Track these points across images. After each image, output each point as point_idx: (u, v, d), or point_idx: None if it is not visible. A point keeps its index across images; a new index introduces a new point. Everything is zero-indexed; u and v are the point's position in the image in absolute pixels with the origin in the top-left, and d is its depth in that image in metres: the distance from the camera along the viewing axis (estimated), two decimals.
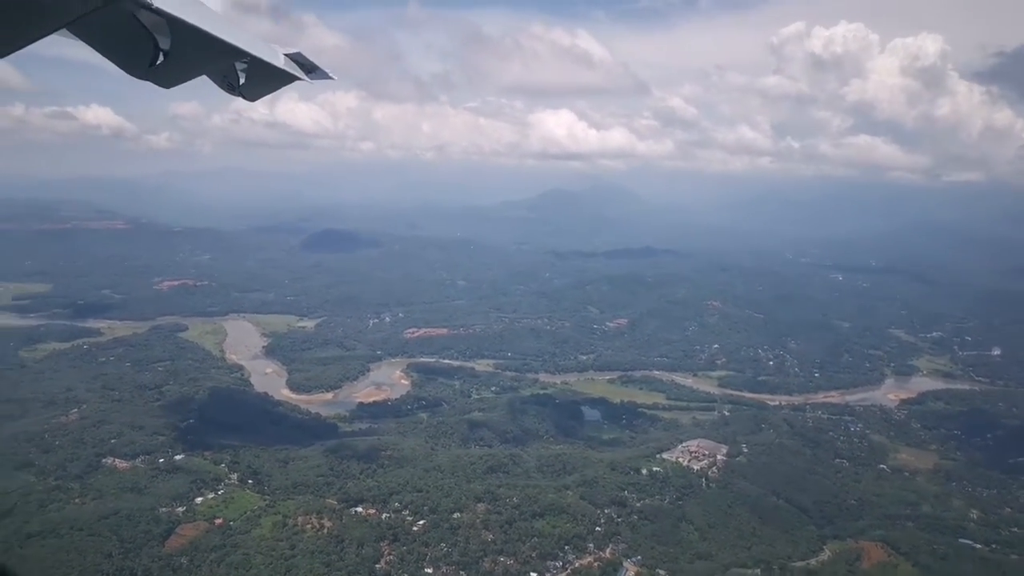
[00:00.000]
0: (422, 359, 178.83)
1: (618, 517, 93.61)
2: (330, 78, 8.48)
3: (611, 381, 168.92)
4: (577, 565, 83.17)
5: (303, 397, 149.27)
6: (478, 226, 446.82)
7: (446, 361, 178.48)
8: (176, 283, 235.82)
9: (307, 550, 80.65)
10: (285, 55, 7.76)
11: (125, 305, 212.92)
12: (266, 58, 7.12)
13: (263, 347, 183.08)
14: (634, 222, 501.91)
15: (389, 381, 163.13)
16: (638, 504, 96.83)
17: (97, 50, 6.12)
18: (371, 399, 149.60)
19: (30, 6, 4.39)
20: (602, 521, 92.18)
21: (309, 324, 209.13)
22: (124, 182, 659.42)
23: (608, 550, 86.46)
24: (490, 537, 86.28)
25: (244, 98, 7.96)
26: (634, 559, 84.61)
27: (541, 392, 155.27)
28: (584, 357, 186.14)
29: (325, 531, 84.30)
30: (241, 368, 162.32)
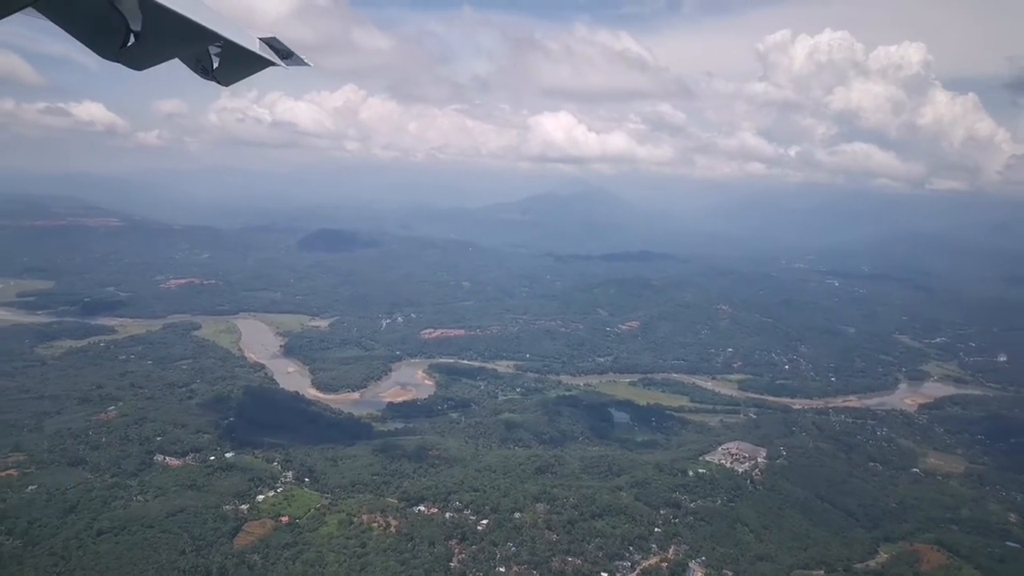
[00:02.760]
0: (442, 360, 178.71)
1: (674, 518, 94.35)
2: (306, 64, 8.52)
3: (632, 383, 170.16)
4: (644, 565, 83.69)
5: (330, 396, 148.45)
6: (470, 228, 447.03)
7: (466, 362, 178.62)
8: (183, 282, 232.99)
9: (378, 548, 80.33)
10: (260, 40, 7.74)
11: (133, 303, 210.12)
12: (240, 42, 7.09)
13: (281, 346, 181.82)
14: (624, 226, 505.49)
15: (413, 381, 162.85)
16: (691, 505, 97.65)
17: (67, 31, 6.11)
18: (400, 399, 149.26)
19: None
20: (660, 522, 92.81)
21: (322, 324, 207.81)
22: (110, 179, 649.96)
23: (671, 551, 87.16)
24: (554, 537, 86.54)
25: (218, 83, 7.91)
26: (699, 560, 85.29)
27: (566, 394, 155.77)
28: (602, 359, 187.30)
29: (392, 529, 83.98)
30: (263, 367, 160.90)
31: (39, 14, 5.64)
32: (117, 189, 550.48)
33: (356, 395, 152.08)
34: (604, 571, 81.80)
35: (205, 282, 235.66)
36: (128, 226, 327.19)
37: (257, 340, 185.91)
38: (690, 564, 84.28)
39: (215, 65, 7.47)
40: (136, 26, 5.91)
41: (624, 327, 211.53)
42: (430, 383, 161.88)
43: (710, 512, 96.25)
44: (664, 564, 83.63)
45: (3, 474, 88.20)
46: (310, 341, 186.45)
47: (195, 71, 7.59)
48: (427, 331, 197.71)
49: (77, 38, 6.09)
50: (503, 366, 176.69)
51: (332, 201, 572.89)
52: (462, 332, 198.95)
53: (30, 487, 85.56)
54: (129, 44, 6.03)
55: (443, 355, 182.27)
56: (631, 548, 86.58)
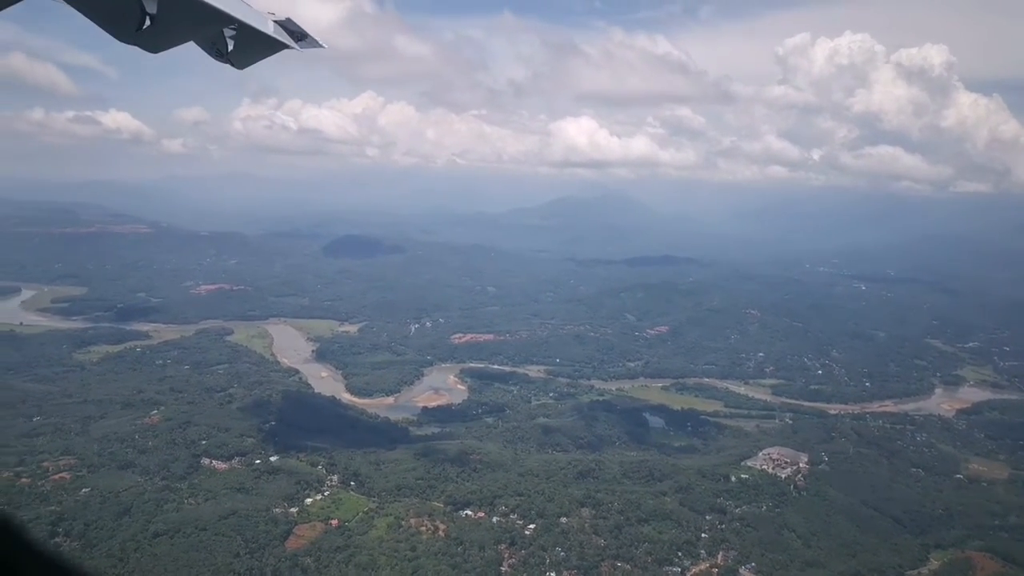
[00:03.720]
0: (472, 364, 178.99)
1: (720, 524, 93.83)
2: (320, 46, 8.54)
3: (665, 388, 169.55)
4: (695, 571, 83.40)
5: (364, 401, 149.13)
6: (491, 233, 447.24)
7: (496, 367, 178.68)
8: (214, 287, 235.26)
9: (429, 552, 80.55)
10: (275, 22, 7.76)
11: (165, 308, 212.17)
12: (255, 24, 7.15)
13: (312, 351, 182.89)
14: (645, 231, 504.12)
15: (445, 386, 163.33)
16: (737, 511, 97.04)
17: (83, 13, 6.19)
18: (433, 403, 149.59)
19: None
20: (706, 528, 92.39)
21: (351, 329, 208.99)
22: (133, 186, 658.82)
23: (720, 556, 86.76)
24: (602, 542, 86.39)
25: (232, 65, 7.97)
26: (749, 566, 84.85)
27: (599, 399, 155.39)
28: (632, 364, 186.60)
29: (441, 533, 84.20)
30: (297, 372, 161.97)
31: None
32: (141, 196, 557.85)
33: (390, 399, 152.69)
34: None
35: (235, 288, 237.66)
36: (156, 232, 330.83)
37: (289, 345, 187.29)
38: (740, 570, 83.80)
39: (230, 48, 7.57)
40: (152, 9, 6.02)
41: (652, 332, 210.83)
42: (462, 388, 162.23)
43: (756, 518, 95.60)
44: (715, 570, 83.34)
45: (56, 477, 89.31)
46: (341, 346, 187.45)
47: (210, 53, 7.73)
48: (456, 336, 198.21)
49: (95, 21, 6.25)
50: (534, 371, 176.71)
51: (353, 207, 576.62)
52: (491, 337, 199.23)
53: (83, 490, 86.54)
54: (145, 27, 6.12)
55: (473, 360, 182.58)
56: (680, 553, 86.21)
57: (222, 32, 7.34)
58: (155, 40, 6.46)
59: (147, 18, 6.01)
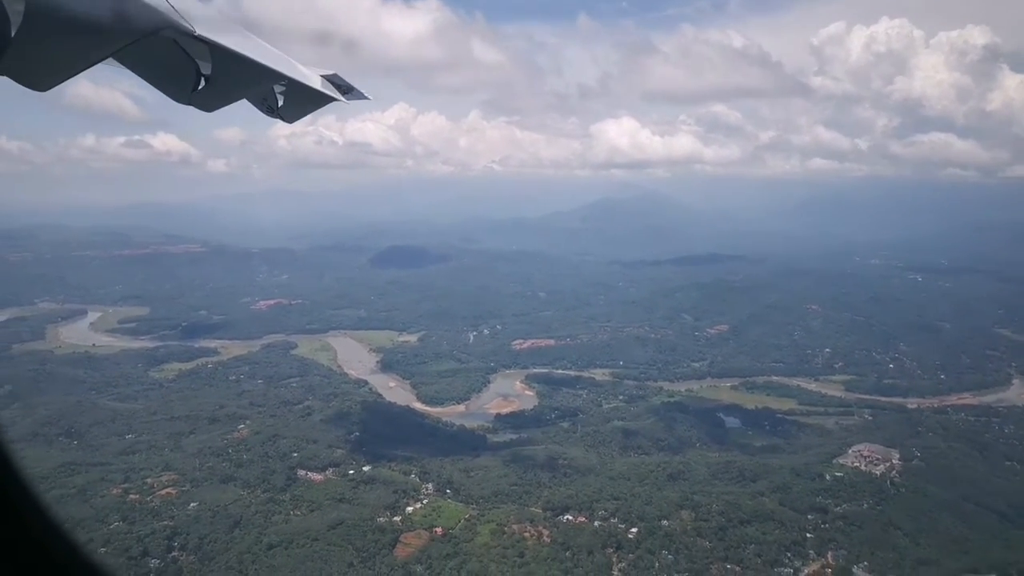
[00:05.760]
0: (536, 370, 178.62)
1: (823, 523, 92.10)
2: (365, 98, 8.86)
3: (734, 388, 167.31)
4: (807, 572, 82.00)
5: (437, 409, 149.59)
6: (531, 238, 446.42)
7: (561, 371, 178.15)
8: (272, 303, 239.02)
9: (537, 557, 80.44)
10: (322, 76, 7.95)
11: (228, 325, 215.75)
12: (304, 81, 7.27)
13: (377, 362, 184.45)
14: (685, 229, 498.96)
15: (513, 392, 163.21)
16: (838, 509, 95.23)
17: (142, 77, 6.25)
18: (505, 410, 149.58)
19: (79, 37, 4.54)
20: (810, 527, 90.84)
21: (411, 338, 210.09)
22: (176, 207, 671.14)
23: (829, 556, 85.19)
24: (707, 544, 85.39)
25: (283, 120, 8.14)
26: (861, 565, 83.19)
27: (670, 400, 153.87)
28: (697, 364, 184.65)
29: (546, 539, 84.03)
30: (366, 382, 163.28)
31: (118, 64, 5.92)
32: (185, 216, 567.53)
33: (461, 407, 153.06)
34: None
35: (292, 302, 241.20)
36: (208, 251, 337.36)
37: (353, 357, 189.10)
38: (853, 569, 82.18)
39: (280, 103, 7.80)
40: (207, 71, 6.13)
41: (713, 331, 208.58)
42: (530, 393, 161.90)
43: (859, 516, 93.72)
44: (828, 570, 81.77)
45: (163, 493, 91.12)
46: (404, 356, 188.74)
47: (260, 109, 7.93)
48: (517, 342, 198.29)
49: (152, 83, 6.38)
50: (599, 374, 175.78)
51: (391, 218, 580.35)
52: (552, 342, 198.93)
53: (192, 504, 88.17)
54: (200, 88, 6.25)
55: (536, 365, 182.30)
56: (788, 554, 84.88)
57: (272, 89, 7.65)
58: (210, 100, 6.63)
59: (202, 79, 6.19)
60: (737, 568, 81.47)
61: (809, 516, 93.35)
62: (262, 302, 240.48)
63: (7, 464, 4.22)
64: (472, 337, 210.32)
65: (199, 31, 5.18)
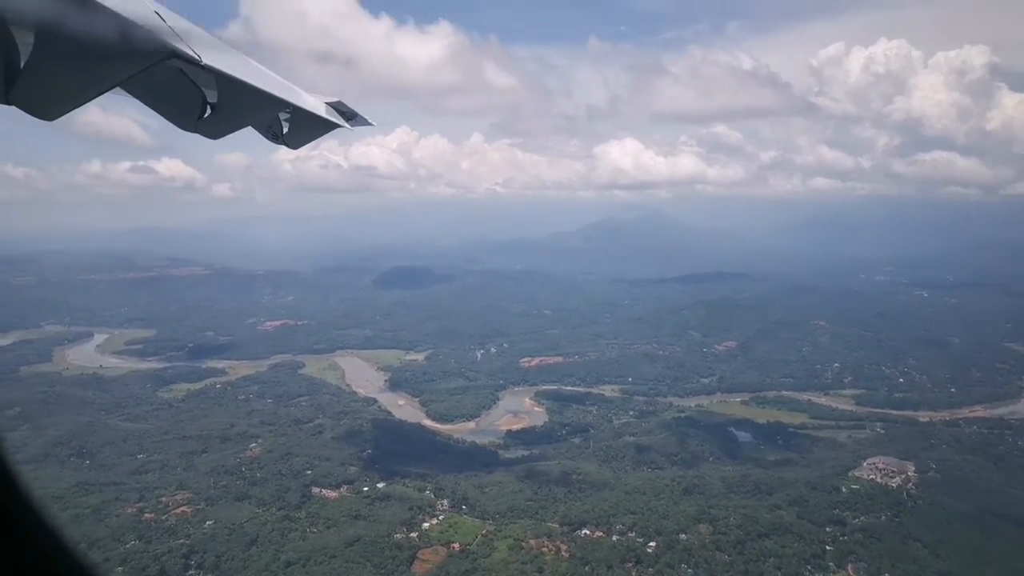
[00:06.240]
0: (545, 387, 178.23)
1: (842, 535, 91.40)
2: (369, 124, 8.90)
3: (744, 403, 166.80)
4: None
5: (447, 427, 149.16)
6: (535, 258, 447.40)
7: (570, 388, 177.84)
8: (278, 323, 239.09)
9: (556, 572, 79.79)
10: (326, 104, 8.02)
11: (235, 346, 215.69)
12: (308, 108, 7.36)
13: (385, 380, 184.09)
14: (688, 248, 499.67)
15: (523, 409, 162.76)
16: (855, 522, 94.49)
17: (148, 105, 6.37)
18: (516, 427, 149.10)
19: (87, 68, 4.60)
20: (829, 540, 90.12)
21: (418, 357, 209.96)
22: (178, 231, 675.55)
23: (850, 568, 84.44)
24: (726, 558, 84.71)
25: (287, 146, 8.25)
26: None
27: (681, 415, 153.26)
28: (706, 380, 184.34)
29: (564, 554, 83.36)
30: (375, 401, 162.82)
31: (125, 92, 6.00)
32: (188, 240, 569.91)
33: (472, 424, 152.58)
34: None
35: (298, 323, 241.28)
36: (212, 274, 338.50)
37: (361, 376, 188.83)
38: None
39: (285, 130, 7.91)
40: (212, 99, 6.20)
41: (721, 347, 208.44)
42: (540, 410, 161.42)
43: (877, 528, 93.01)
44: None
45: (178, 511, 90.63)
46: (412, 374, 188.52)
47: (265, 136, 8.03)
48: (525, 359, 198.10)
49: (158, 111, 6.52)
50: (608, 390, 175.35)
51: (394, 240, 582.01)
52: (560, 359, 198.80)
53: (207, 522, 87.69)
54: (206, 116, 6.34)
55: (545, 382, 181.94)
56: (809, 567, 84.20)
57: (277, 116, 7.78)
58: (215, 128, 6.72)
59: (208, 107, 6.27)
60: None
61: (827, 529, 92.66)
62: (268, 323, 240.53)
63: (13, 485, 4.12)
64: (479, 355, 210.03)
65: (205, 60, 5.22)
